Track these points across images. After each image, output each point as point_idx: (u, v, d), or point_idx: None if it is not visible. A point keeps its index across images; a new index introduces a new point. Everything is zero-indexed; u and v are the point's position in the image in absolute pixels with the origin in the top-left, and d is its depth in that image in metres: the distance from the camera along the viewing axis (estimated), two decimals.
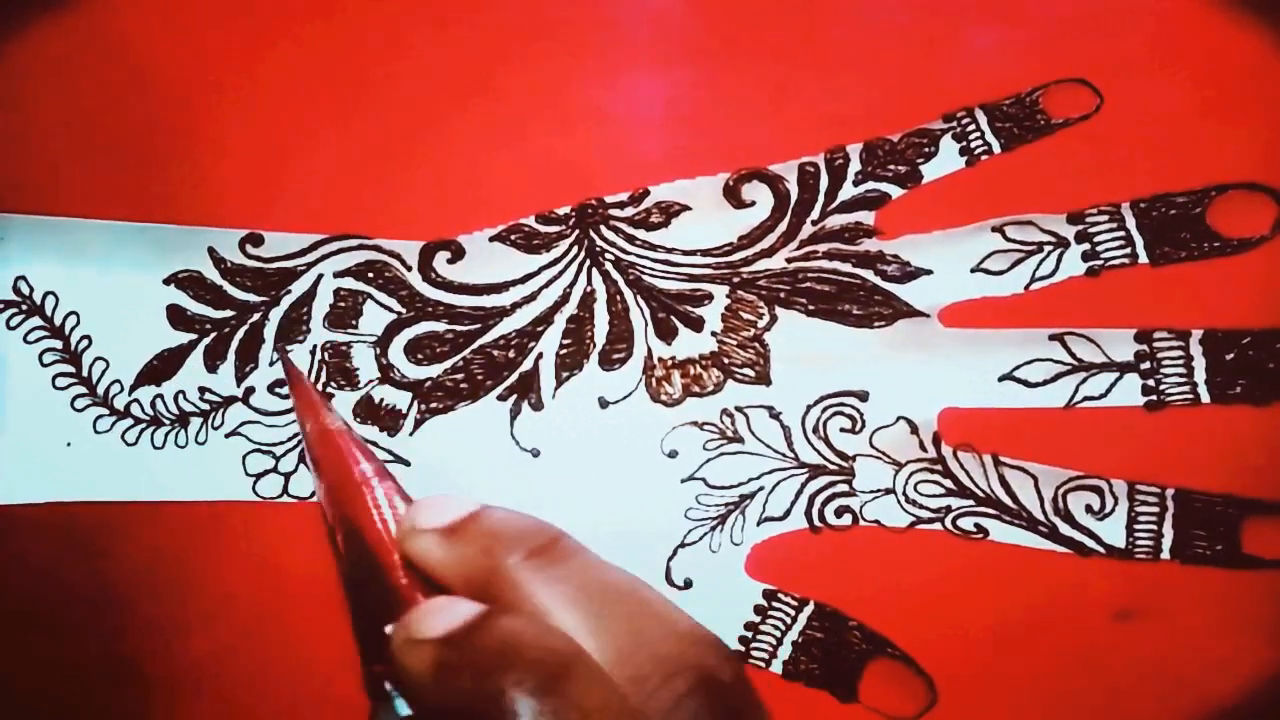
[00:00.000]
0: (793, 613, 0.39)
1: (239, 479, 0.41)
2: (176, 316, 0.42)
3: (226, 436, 0.41)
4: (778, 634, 0.39)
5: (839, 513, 0.40)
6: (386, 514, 0.33)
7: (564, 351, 0.41)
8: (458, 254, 0.42)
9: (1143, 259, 0.39)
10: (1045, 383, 0.39)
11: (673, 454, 0.40)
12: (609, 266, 0.41)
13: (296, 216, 0.42)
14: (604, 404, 0.41)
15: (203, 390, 0.41)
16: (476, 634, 0.27)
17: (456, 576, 0.30)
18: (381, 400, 0.41)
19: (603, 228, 0.42)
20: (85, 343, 0.42)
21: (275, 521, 0.40)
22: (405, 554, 0.31)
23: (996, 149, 0.40)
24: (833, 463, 0.40)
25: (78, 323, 0.42)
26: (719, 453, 0.40)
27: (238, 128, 0.42)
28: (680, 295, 0.41)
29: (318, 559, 0.40)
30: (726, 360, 0.41)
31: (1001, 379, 0.39)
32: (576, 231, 0.42)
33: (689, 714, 0.26)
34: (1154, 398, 0.39)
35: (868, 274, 0.40)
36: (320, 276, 0.42)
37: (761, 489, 0.40)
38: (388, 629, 0.29)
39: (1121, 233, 0.39)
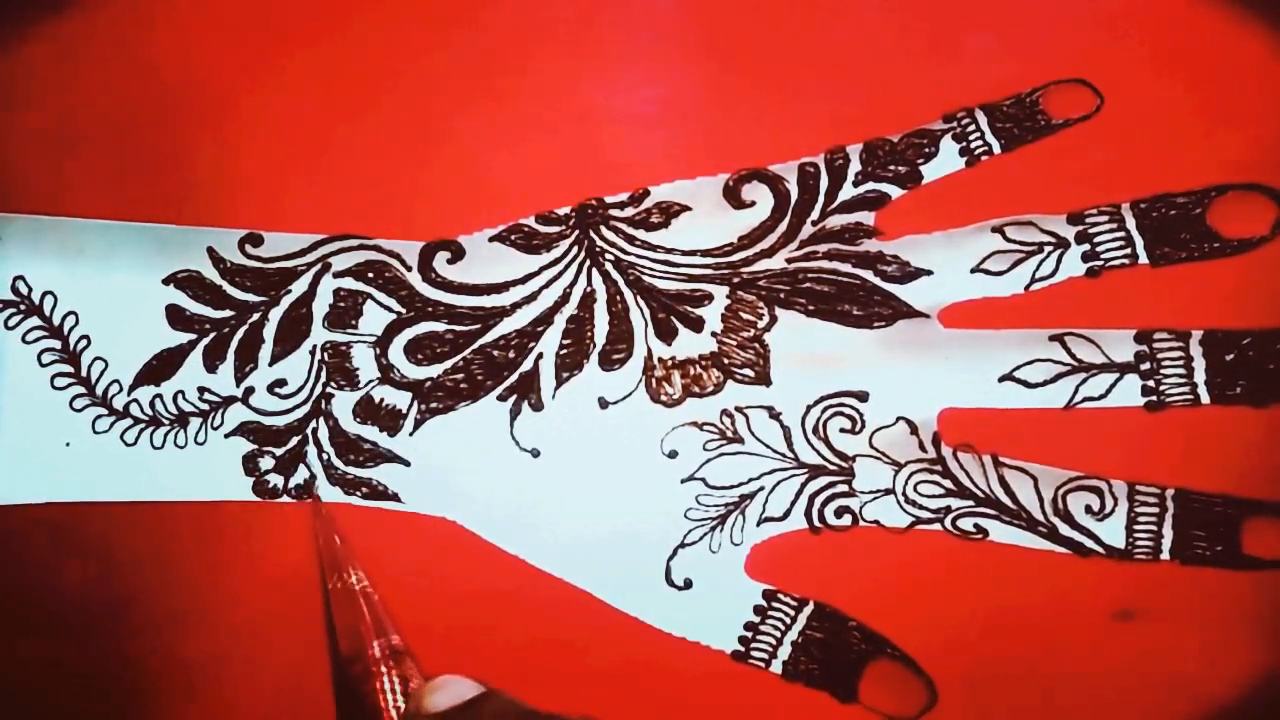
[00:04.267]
0: (792, 613, 0.39)
1: (239, 479, 0.41)
2: (176, 316, 0.42)
3: (226, 436, 0.41)
4: (778, 634, 0.39)
5: (839, 513, 0.40)
6: (396, 700, 0.36)
7: (564, 352, 0.41)
8: (458, 254, 0.42)
9: (1143, 259, 0.39)
10: (1045, 383, 0.39)
11: (673, 454, 0.40)
12: (609, 267, 0.41)
13: (296, 216, 0.42)
14: (604, 404, 0.41)
15: (202, 390, 0.41)
16: (471, 710, 0.33)
17: None
18: (381, 400, 0.41)
19: (603, 228, 0.41)
20: (84, 343, 0.42)
21: (275, 521, 0.40)
22: None
23: (997, 149, 0.40)
24: (832, 463, 0.40)
25: (76, 322, 0.42)
26: (719, 453, 0.40)
27: (238, 128, 0.42)
28: (680, 295, 0.41)
29: (317, 559, 0.40)
30: (726, 360, 0.41)
31: (1001, 379, 0.39)
32: (576, 232, 0.42)
33: None
34: (1154, 398, 0.39)
35: (868, 274, 0.40)
36: (328, 265, 0.42)
37: (761, 489, 0.40)
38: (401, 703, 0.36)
39: (1121, 233, 0.39)
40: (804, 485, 0.40)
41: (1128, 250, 0.39)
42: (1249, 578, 0.38)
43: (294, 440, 0.41)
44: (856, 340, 0.40)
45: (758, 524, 0.40)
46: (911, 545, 0.39)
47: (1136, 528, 0.38)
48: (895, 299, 0.40)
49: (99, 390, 0.41)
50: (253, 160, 0.42)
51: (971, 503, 0.39)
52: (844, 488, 0.40)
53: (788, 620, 0.39)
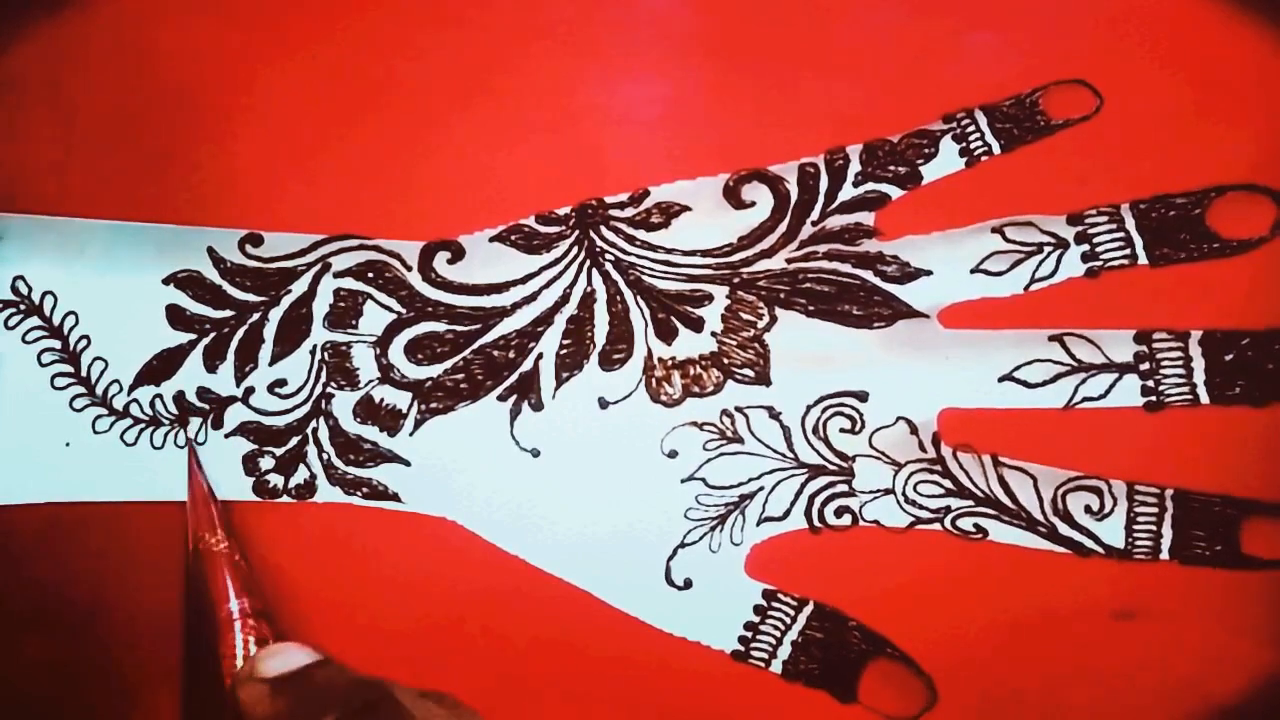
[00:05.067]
0: (792, 613, 0.39)
1: (239, 479, 0.41)
2: (176, 316, 0.42)
3: (226, 436, 0.41)
4: (777, 634, 0.39)
5: (839, 513, 0.40)
6: (241, 657, 0.36)
7: (564, 352, 0.41)
8: (458, 254, 0.42)
9: (1142, 260, 0.39)
10: (1045, 383, 0.39)
11: (673, 454, 0.40)
12: (609, 267, 0.41)
13: (297, 216, 0.42)
14: (604, 404, 0.41)
15: (202, 390, 0.41)
16: (302, 678, 0.33)
17: None
18: (381, 400, 0.41)
19: (603, 228, 0.41)
20: (84, 343, 0.41)
21: (275, 521, 0.40)
22: (235, 698, 0.33)
23: (996, 150, 0.40)
24: (832, 463, 0.40)
25: (76, 322, 0.42)
26: (719, 453, 0.40)
27: (238, 128, 0.42)
28: (680, 296, 0.41)
29: (317, 559, 0.40)
30: (726, 360, 0.41)
31: (1001, 379, 0.39)
32: (576, 232, 0.42)
33: None
34: (1153, 398, 0.39)
35: (868, 274, 0.40)
36: (328, 265, 0.42)
37: (761, 489, 0.40)
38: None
39: (1121, 234, 0.39)
40: (804, 485, 0.40)
41: (1127, 250, 0.39)
42: (1248, 577, 0.38)
43: (294, 440, 0.41)
44: (856, 340, 0.40)
45: (758, 524, 0.40)
46: (911, 545, 0.39)
47: (1136, 528, 0.38)
48: (895, 299, 0.40)
49: (99, 390, 0.41)
50: (253, 160, 0.42)
51: (971, 503, 0.39)
52: (844, 488, 0.40)
53: (788, 620, 0.39)
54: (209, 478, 0.40)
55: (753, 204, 0.41)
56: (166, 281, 0.42)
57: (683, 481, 0.40)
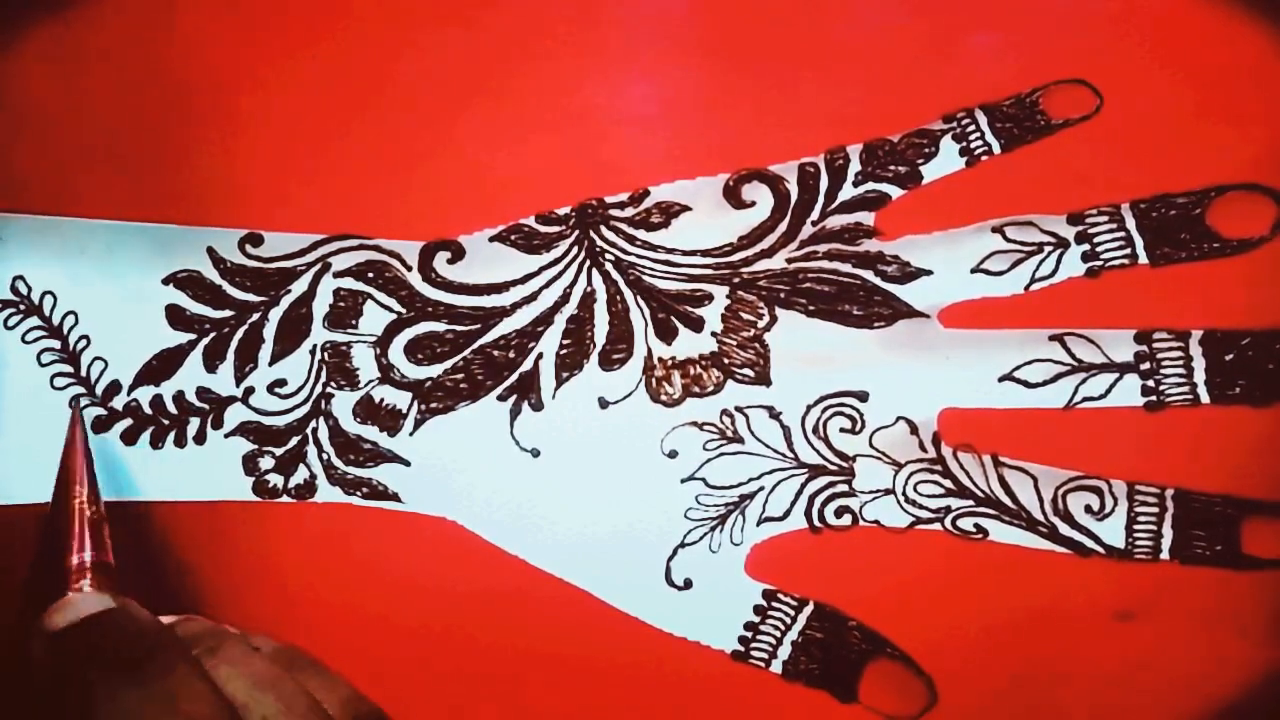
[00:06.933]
0: (792, 613, 0.39)
1: (239, 479, 0.41)
2: (176, 316, 0.42)
3: (226, 436, 0.41)
4: (777, 634, 0.39)
5: (839, 513, 0.40)
6: None
7: (564, 352, 0.41)
8: (458, 254, 0.42)
9: (1142, 259, 0.39)
10: (1045, 383, 0.39)
11: (673, 454, 0.40)
12: (609, 267, 0.41)
13: (296, 216, 0.42)
14: (604, 404, 0.41)
15: (202, 390, 0.41)
16: (80, 629, 0.30)
17: (45, 685, 0.31)
18: (381, 400, 0.41)
19: (603, 228, 0.41)
20: (84, 343, 0.42)
21: (275, 521, 0.40)
22: (30, 653, 0.32)
23: (996, 149, 0.40)
24: (833, 463, 0.40)
25: (76, 322, 0.42)
26: (719, 453, 0.40)
27: (238, 128, 0.42)
28: (680, 295, 0.41)
29: (317, 559, 0.40)
30: (726, 360, 0.41)
31: (1001, 379, 0.39)
32: (576, 232, 0.42)
33: None
34: (1154, 398, 0.39)
35: (868, 274, 0.40)
36: (328, 265, 0.42)
37: (761, 489, 0.40)
38: None
39: (1121, 233, 0.39)
40: (804, 485, 0.40)
41: (1127, 250, 0.39)
42: (1249, 578, 0.38)
43: (294, 440, 0.41)
44: (856, 340, 0.40)
45: (758, 524, 0.40)
46: (911, 545, 0.39)
47: (1136, 527, 0.38)
48: (895, 299, 0.40)
49: (99, 390, 0.41)
50: (253, 160, 0.42)
51: (971, 503, 0.39)
52: (844, 487, 0.40)
53: (788, 620, 0.39)
54: (89, 440, 0.40)
55: (753, 204, 0.41)
56: (166, 281, 0.42)
57: (683, 481, 0.40)
